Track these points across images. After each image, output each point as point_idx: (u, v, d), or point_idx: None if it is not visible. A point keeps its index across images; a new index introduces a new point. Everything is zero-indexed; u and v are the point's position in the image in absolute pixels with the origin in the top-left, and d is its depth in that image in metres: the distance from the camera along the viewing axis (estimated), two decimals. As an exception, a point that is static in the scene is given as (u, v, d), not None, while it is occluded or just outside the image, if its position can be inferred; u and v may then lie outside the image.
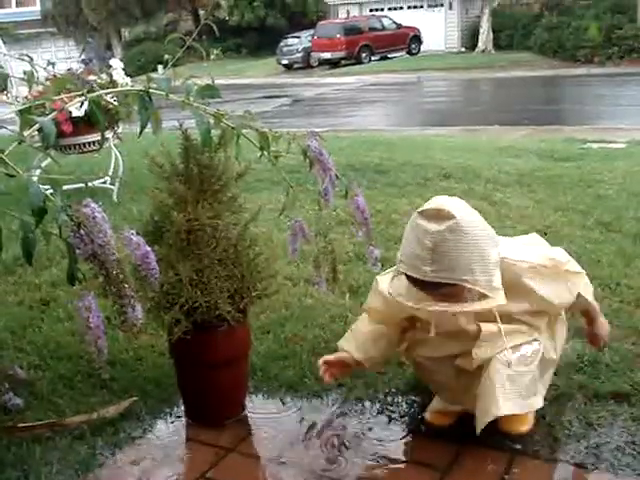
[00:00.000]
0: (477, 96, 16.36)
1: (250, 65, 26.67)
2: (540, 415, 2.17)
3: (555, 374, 2.28)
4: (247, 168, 2.20)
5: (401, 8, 27.42)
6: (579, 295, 2.09)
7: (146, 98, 1.67)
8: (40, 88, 3.56)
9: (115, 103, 2.31)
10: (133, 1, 28.39)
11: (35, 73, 1.79)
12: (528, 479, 1.98)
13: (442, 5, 26.59)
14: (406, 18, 26.38)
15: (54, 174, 1.57)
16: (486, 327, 1.96)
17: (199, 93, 1.74)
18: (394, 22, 25.85)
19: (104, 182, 5.48)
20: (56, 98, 1.70)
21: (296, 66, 25.70)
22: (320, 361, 2.20)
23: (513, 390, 1.97)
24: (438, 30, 26.34)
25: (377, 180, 5.48)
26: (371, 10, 27.98)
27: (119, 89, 2.27)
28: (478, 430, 1.98)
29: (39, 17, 31.57)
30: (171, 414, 2.38)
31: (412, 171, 5.67)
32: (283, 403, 2.41)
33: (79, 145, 5.07)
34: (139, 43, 29.70)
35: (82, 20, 29.55)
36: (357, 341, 2.19)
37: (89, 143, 5.09)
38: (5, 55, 5.42)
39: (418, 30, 25.96)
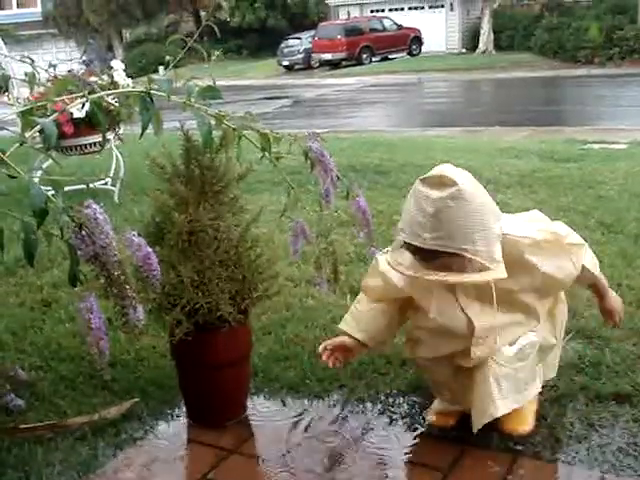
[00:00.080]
0: (478, 97, 16.36)
1: (251, 66, 26.68)
2: (541, 416, 2.17)
3: (557, 376, 2.29)
4: (248, 169, 2.20)
5: (402, 9, 27.42)
6: (584, 268, 2.05)
7: (147, 99, 1.67)
8: (41, 89, 3.56)
9: (116, 104, 2.32)
10: (134, 2, 28.40)
11: (36, 75, 1.80)
12: (530, 480, 1.98)
13: (443, 6, 26.59)
14: (407, 19, 26.40)
15: (55, 175, 1.57)
16: (480, 323, 1.94)
17: (200, 94, 1.74)
18: (395, 23, 25.86)
19: (105, 183, 5.48)
20: (57, 99, 1.70)
21: (297, 67, 25.72)
22: (320, 347, 2.17)
23: (509, 387, 1.97)
24: (439, 31, 26.35)
25: (378, 181, 5.48)
26: (372, 11, 27.98)
27: (120, 90, 2.27)
28: (475, 429, 1.98)
29: (40, 18, 31.56)
30: (172, 415, 2.38)
31: (413, 172, 5.66)
32: (284, 404, 2.41)
33: (80, 146, 5.08)
34: (140, 44, 29.70)
35: (83, 21, 29.55)
36: (357, 321, 2.15)
37: (90, 144, 5.09)
38: (6, 57, 5.43)
39: (419, 31, 25.97)
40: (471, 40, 24.82)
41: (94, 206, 1.37)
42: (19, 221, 1.44)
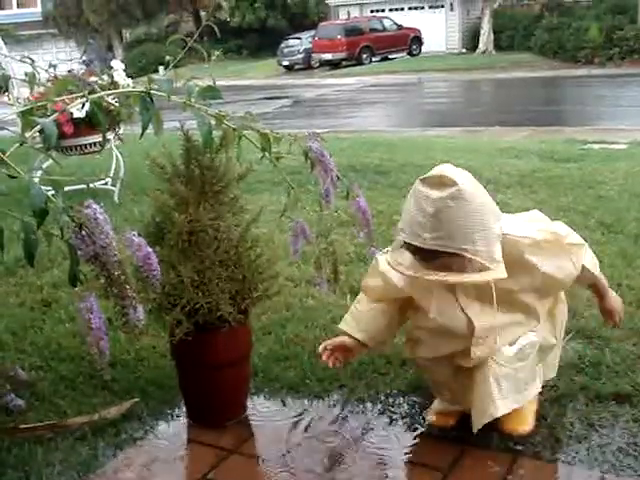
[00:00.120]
0: (478, 97, 16.36)
1: (251, 66, 26.68)
2: (541, 416, 2.17)
3: (557, 376, 2.29)
4: (248, 169, 2.20)
5: (402, 9, 27.43)
6: (584, 268, 2.05)
7: (147, 99, 1.67)
8: (41, 89, 3.56)
9: (116, 104, 2.32)
10: (134, 2, 28.40)
11: (36, 75, 1.79)
12: (530, 480, 1.98)
13: (443, 6, 26.60)
14: (407, 19, 26.40)
15: (55, 175, 1.57)
16: (480, 323, 1.94)
17: (200, 94, 1.74)
18: (395, 23, 25.86)
19: (105, 183, 5.48)
20: (57, 99, 1.70)
21: (297, 67, 25.72)
22: (320, 347, 2.17)
23: (509, 387, 1.97)
24: (439, 31, 26.35)
25: (378, 181, 5.48)
26: (372, 11, 27.98)
27: (120, 90, 2.27)
28: (475, 429, 1.98)
29: (40, 18, 31.56)
30: (172, 415, 2.38)
31: (413, 172, 5.66)
32: (284, 404, 2.41)
33: (80, 146, 5.08)
34: (140, 44, 29.70)
35: (83, 21, 29.55)
36: (357, 321, 2.15)
37: (90, 144, 5.09)
38: (6, 57, 5.43)
39: (419, 31, 25.97)
40: (471, 40, 24.82)
41: (94, 206, 1.37)
42: (19, 221, 1.44)
